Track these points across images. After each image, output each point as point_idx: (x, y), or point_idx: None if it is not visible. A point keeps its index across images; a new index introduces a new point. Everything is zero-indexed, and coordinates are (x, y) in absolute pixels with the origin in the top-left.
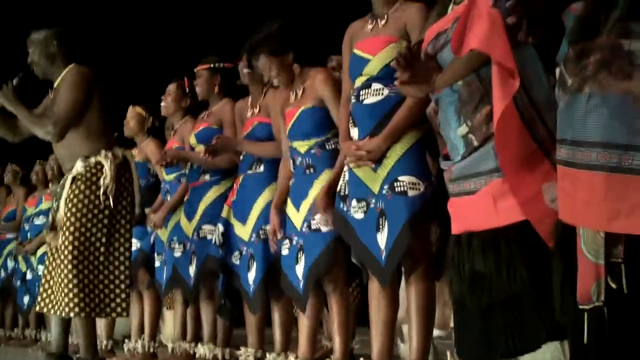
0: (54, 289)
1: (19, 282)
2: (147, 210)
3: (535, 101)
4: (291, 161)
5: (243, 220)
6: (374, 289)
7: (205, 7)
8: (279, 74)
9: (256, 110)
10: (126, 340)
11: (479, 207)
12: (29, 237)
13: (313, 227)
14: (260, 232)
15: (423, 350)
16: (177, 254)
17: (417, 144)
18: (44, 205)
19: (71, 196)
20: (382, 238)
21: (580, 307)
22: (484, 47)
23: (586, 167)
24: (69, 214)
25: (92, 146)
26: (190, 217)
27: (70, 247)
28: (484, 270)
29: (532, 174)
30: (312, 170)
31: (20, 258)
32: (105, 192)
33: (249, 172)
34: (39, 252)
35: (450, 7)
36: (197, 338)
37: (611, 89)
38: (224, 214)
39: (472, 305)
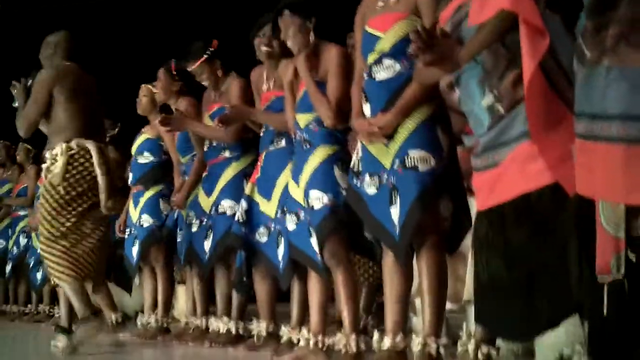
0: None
1: (32, 259)
2: (161, 186)
3: (562, 64)
4: (294, 135)
5: (268, 196)
6: (388, 263)
7: None
8: (295, 35)
9: (271, 84)
10: (139, 315)
11: (508, 174)
12: None
13: (310, 203)
14: (285, 207)
15: (436, 323)
16: (194, 228)
17: (428, 119)
18: None
19: (45, 185)
20: (395, 212)
21: (599, 280)
22: (513, 6)
23: (605, 139)
24: (41, 200)
25: (56, 139)
26: (209, 193)
27: (42, 228)
28: (520, 240)
29: (560, 135)
30: (308, 145)
31: (33, 235)
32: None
33: (271, 148)
34: None
35: None
36: (208, 312)
37: (630, 62)
38: (247, 191)
39: (511, 280)
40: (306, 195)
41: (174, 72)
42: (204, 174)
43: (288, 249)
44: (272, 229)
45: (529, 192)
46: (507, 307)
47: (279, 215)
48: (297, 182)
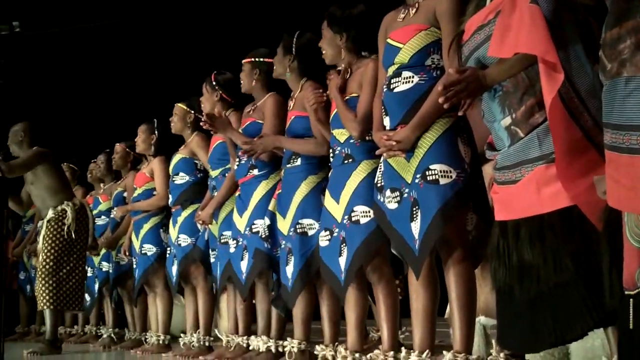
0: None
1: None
2: (196, 206)
3: (579, 91)
4: (331, 151)
5: (284, 213)
6: (414, 278)
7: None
8: (326, 48)
9: (291, 104)
10: (182, 335)
11: (524, 194)
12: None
13: (353, 219)
14: (298, 226)
15: (466, 338)
16: (232, 249)
17: (447, 132)
18: (102, 207)
19: (47, 233)
20: (416, 227)
21: (626, 292)
22: (529, 48)
23: (627, 150)
24: (45, 244)
25: (57, 198)
26: (241, 213)
27: (45, 262)
28: (532, 260)
29: (580, 161)
30: (350, 160)
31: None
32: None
33: (288, 166)
34: (102, 252)
35: None
36: (250, 331)
37: None
38: (270, 206)
39: (521, 295)
40: (348, 210)
41: (214, 82)
42: (237, 193)
43: (303, 269)
44: (283, 246)
45: (542, 214)
46: (516, 321)
47: (291, 234)
48: (336, 198)
